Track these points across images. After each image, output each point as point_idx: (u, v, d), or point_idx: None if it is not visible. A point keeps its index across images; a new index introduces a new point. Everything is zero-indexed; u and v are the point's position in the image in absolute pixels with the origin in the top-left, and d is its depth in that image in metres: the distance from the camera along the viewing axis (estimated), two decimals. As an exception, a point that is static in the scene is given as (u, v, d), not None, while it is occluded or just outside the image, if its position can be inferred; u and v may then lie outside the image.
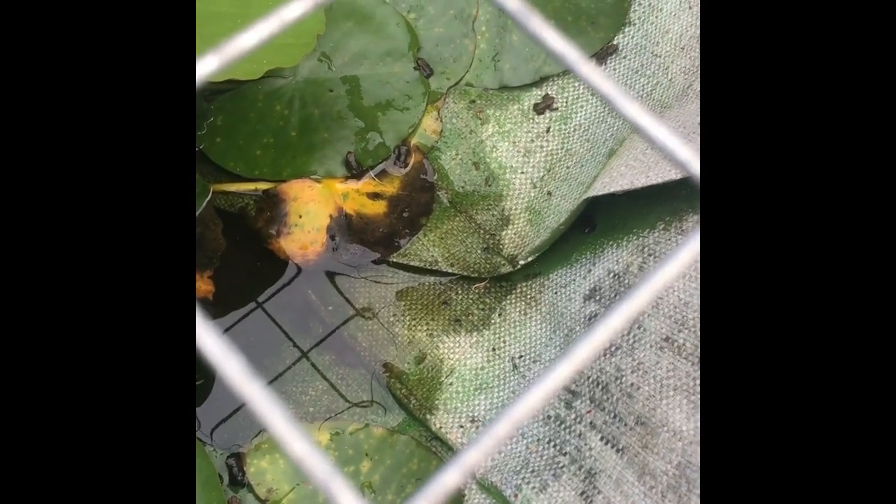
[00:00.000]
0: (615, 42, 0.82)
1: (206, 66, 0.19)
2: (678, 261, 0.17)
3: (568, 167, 0.79)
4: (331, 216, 0.78)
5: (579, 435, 0.65)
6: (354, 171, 0.79)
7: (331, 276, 0.77)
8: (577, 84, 0.82)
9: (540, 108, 0.82)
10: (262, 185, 0.79)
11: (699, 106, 0.72)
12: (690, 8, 0.82)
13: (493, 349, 0.74)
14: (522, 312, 0.75)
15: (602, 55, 0.82)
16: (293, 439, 0.17)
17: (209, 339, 0.20)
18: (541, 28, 0.17)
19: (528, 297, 0.75)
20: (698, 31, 0.81)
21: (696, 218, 0.65)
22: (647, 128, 0.17)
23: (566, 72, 0.82)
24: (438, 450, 0.71)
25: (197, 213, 0.75)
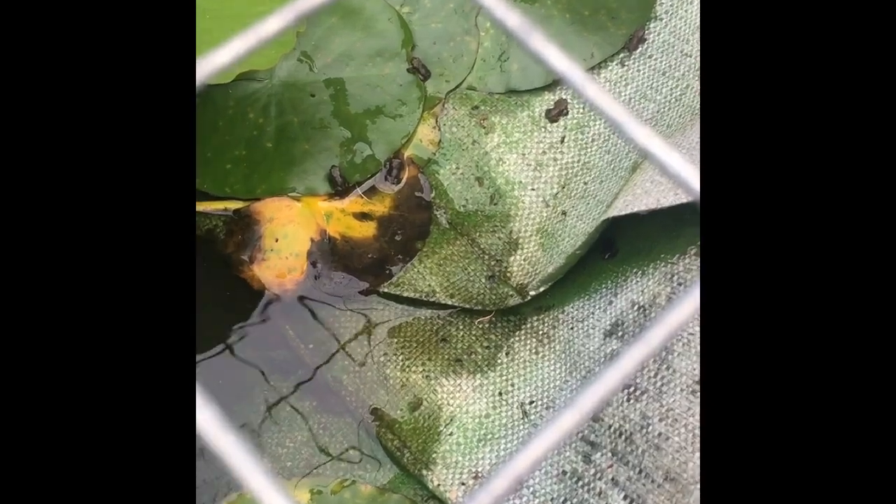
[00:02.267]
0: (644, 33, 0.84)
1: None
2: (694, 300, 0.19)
3: (585, 183, 0.81)
4: (312, 240, 0.79)
5: (599, 493, 0.66)
6: (339, 187, 0.80)
7: (312, 308, 0.78)
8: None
9: (553, 115, 0.83)
10: (233, 205, 0.80)
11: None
12: None
13: (500, 393, 0.75)
14: (533, 351, 0.76)
15: (632, 46, 0.83)
16: (272, 498, 0.18)
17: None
18: (543, 45, 0.19)
19: (540, 333, 0.76)
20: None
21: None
22: (658, 154, 0.18)
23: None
24: (436, 511, 0.72)
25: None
